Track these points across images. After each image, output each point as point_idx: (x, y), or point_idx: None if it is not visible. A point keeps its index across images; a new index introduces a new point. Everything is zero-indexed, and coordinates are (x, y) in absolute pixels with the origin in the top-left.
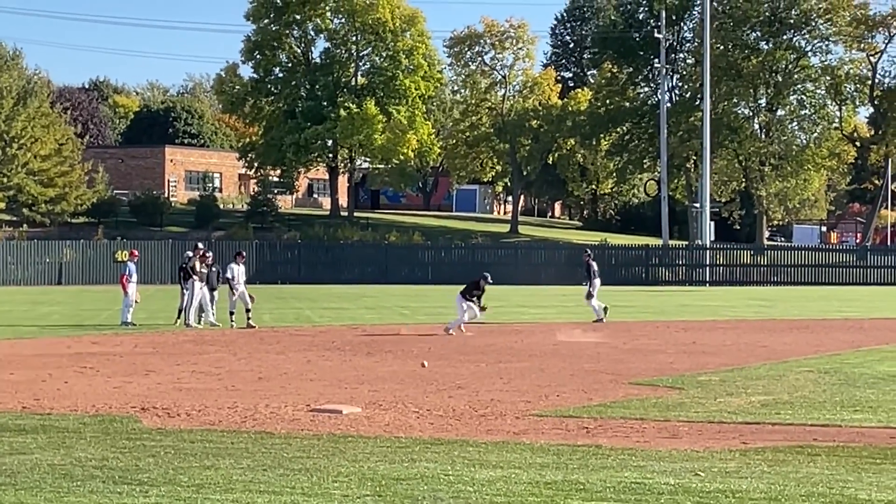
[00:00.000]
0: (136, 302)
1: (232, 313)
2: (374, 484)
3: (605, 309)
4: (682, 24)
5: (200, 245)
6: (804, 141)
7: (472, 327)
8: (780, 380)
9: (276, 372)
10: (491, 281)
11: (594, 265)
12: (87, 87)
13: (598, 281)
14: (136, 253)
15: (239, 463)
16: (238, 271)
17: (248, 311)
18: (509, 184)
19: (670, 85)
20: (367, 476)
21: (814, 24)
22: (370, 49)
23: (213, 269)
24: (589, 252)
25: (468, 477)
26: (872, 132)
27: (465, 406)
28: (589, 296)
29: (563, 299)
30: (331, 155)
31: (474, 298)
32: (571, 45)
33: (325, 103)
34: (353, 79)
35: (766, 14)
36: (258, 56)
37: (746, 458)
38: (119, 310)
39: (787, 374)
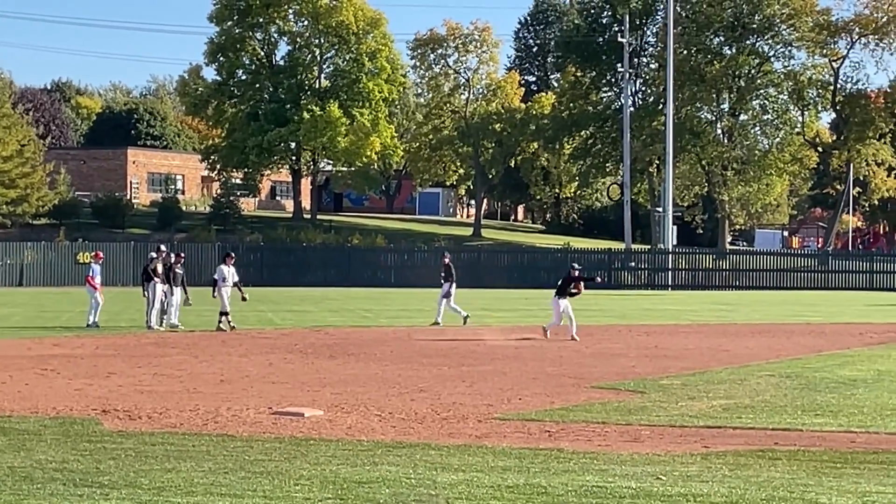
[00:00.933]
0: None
1: (225, 314)
2: (336, 487)
3: (466, 318)
4: (645, 28)
5: (163, 247)
6: (766, 146)
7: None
8: (741, 384)
9: (238, 374)
10: (578, 267)
11: (452, 267)
12: (49, 88)
13: (454, 284)
14: (101, 255)
15: (200, 466)
16: (228, 272)
17: (225, 314)
18: (472, 187)
19: (634, 89)
20: (328, 479)
21: (777, 29)
22: (333, 52)
23: (180, 270)
24: (447, 254)
25: (430, 480)
26: (834, 137)
27: (427, 409)
28: (447, 296)
29: (527, 302)
30: (294, 157)
31: (569, 295)
32: (535, 49)
33: (289, 106)
34: (317, 81)
35: (730, 19)
36: (221, 58)
37: (708, 462)
38: (84, 311)
39: (749, 379)
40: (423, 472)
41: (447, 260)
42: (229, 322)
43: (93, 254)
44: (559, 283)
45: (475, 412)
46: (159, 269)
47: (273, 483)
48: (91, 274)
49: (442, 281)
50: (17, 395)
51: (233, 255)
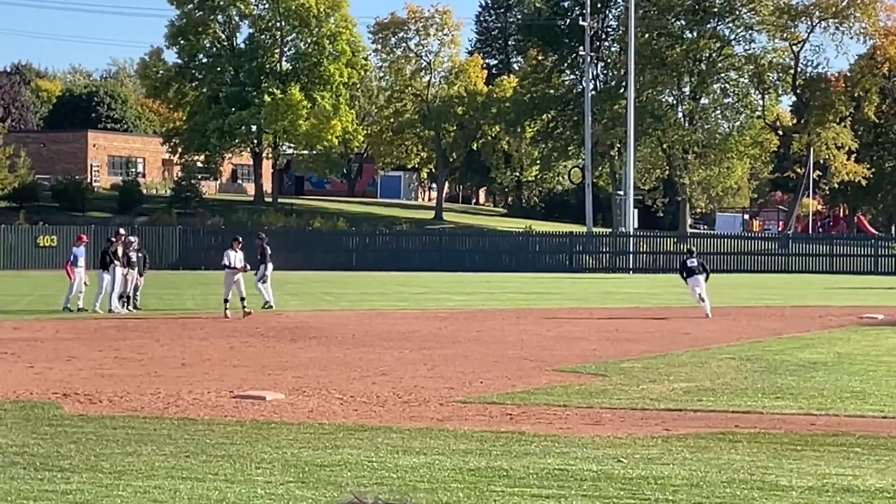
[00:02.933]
0: (85, 285)
1: (243, 299)
2: (298, 470)
3: (268, 305)
4: (607, 11)
5: (122, 230)
6: (727, 129)
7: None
8: (702, 367)
9: (199, 358)
10: (691, 249)
11: (268, 249)
12: (8, 70)
13: (270, 266)
14: (84, 238)
15: (161, 449)
16: (235, 258)
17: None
18: (434, 170)
19: (595, 73)
20: (290, 462)
21: (738, 12)
22: (294, 35)
23: (141, 254)
24: (262, 236)
25: (392, 463)
26: (795, 121)
27: (388, 393)
28: (262, 280)
29: (487, 286)
30: (255, 141)
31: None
32: (496, 32)
33: (250, 89)
34: (278, 64)
35: (690, 2)
36: (182, 41)
37: (669, 445)
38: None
39: (710, 362)
40: (384, 456)
41: (261, 243)
42: (243, 308)
43: (77, 237)
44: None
45: (437, 395)
46: (119, 251)
47: (235, 466)
48: (71, 258)
49: (259, 264)
50: None
51: (240, 239)
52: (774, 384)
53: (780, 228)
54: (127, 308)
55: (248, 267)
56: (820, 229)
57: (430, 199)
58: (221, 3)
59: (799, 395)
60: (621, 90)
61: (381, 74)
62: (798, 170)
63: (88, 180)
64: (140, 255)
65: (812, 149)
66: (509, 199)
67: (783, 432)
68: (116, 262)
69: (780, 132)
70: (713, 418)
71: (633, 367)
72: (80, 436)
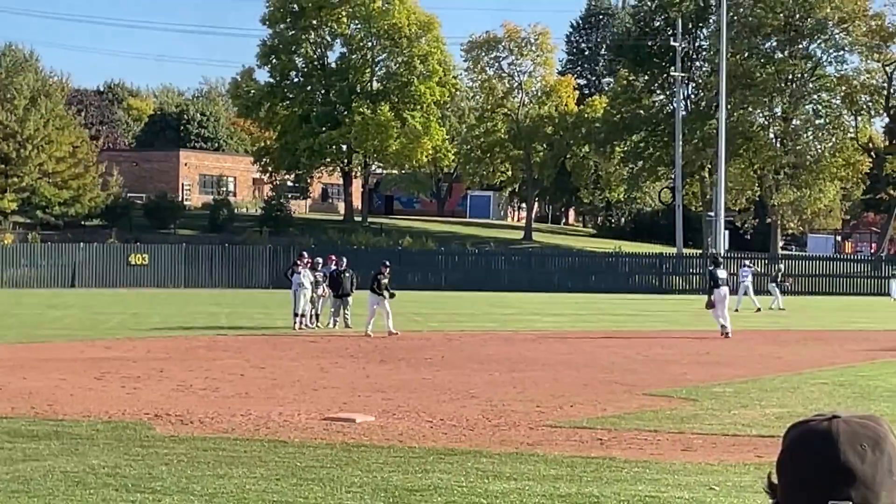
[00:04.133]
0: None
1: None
2: (388, 495)
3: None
4: (698, 31)
5: (305, 253)
6: (819, 150)
7: (485, 335)
8: (794, 392)
9: (289, 379)
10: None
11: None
12: (101, 89)
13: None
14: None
15: (252, 472)
16: (303, 275)
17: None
18: (521, 189)
19: (686, 93)
20: (380, 486)
21: (829, 33)
22: (385, 54)
23: (347, 273)
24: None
25: (482, 489)
26: (888, 142)
27: (478, 416)
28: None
29: (577, 307)
30: (345, 160)
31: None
32: (586, 53)
33: (340, 108)
34: (369, 84)
35: (781, 23)
36: (274, 60)
37: (761, 472)
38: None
39: (802, 387)
40: (474, 481)
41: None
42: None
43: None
44: None
45: (526, 419)
46: (304, 273)
47: (325, 490)
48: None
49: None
50: (69, 398)
51: (305, 255)
52: (868, 410)
53: (872, 250)
54: (316, 325)
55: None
56: None
57: (519, 219)
58: (314, 22)
59: (893, 423)
60: (712, 111)
61: (472, 94)
62: (891, 191)
63: (180, 199)
64: (347, 274)
65: None
66: (598, 219)
67: None
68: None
69: (873, 153)
70: None
71: (724, 391)
72: (171, 457)
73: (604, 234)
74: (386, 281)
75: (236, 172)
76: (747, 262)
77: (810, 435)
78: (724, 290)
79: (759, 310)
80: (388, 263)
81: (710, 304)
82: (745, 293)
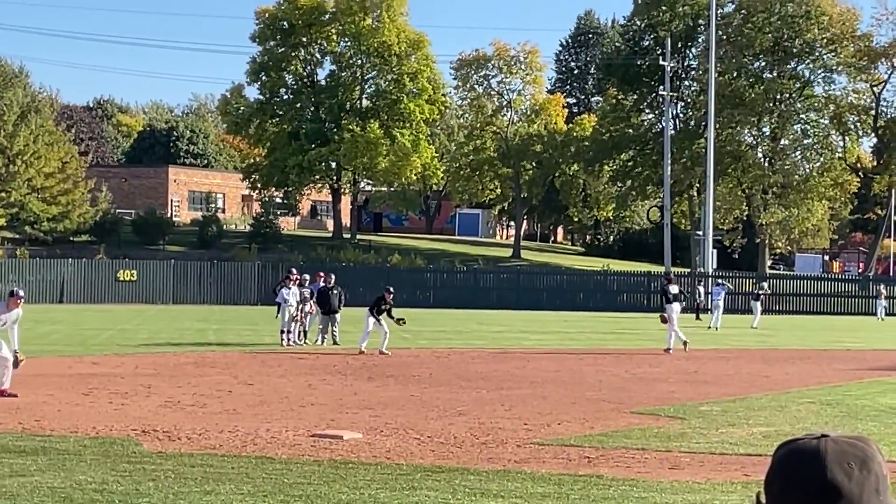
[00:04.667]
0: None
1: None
2: None
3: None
4: (687, 51)
5: (294, 270)
6: (807, 170)
7: (475, 353)
8: (782, 411)
9: (277, 396)
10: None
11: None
12: (91, 105)
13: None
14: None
15: (239, 489)
16: (289, 293)
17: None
18: (509, 208)
19: (675, 112)
20: None
21: (817, 53)
22: (375, 72)
23: (335, 291)
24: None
25: None
26: (875, 162)
27: (466, 433)
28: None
29: (565, 325)
30: (334, 177)
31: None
32: (576, 71)
33: (330, 125)
34: (358, 101)
35: (770, 43)
36: (264, 77)
37: (748, 491)
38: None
39: (789, 406)
40: (462, 498)
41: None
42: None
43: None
44: None
45: (514, 437)
46: (292, 290)
47: None
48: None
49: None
50: (57, 414)
51: (293, 272)
52: (855, 429)
53: (860, 270)
54: (304, 342)
55: (308, 297)
56: None
57: (507, 237)
58: (303, 40)
59: (880, 442)
60: (700, 130)
61: (461, 112)
62: (879, 211)
63: (168, 215)
64: (335, 292)
65: (893, 190)
66: (587, 237)
67: None
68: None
69: (861, 173)
70: None
71: (711, 410)
72: (158, 473)
73: (592, 253)
74: (387, 307)
75: (225, 189)
76: (720, 281)
77: (798, 453)
78: (676, 305)
79: (716, 329)
80: (391, 290)
81: (664, 320)
82: (712, 311)
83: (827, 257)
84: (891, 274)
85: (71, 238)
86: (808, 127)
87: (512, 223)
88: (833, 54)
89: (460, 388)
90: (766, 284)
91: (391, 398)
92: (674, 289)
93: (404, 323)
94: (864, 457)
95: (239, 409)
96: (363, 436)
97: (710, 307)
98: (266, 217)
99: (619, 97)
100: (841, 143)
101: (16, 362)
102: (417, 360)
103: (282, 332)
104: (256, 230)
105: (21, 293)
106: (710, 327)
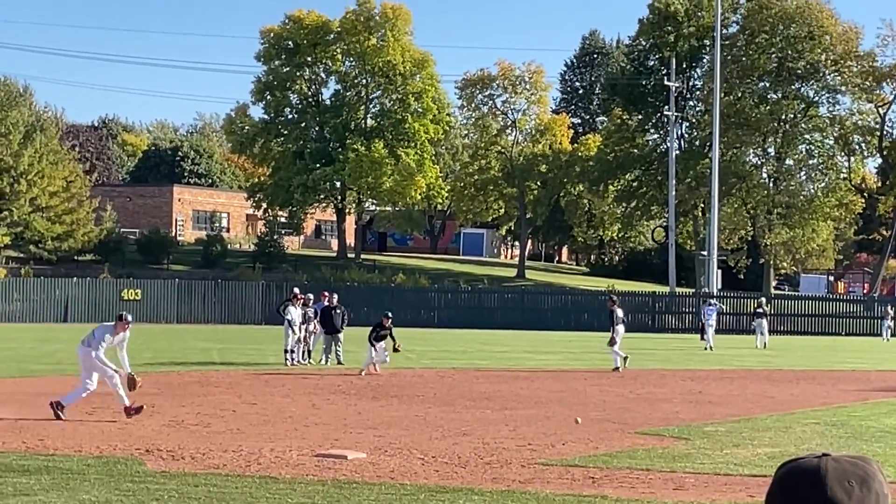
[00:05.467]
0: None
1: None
2: None
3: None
4: (691, 71)
5: (297, 289)
6: (812, 191)
7: (479, 373)
8: (786, 432)
9: (281, 415)
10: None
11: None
12: (95, 125)
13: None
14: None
15: None
16: (295, 313)
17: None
18: (515, 228)
19: (679, 132)
20: None
21: (822, 74)
22: (380, 91)
23: (339, 310)
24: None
25: None
26: (880, 183)
27: (470, 453)
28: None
29: (569, 345)
30: (339, 196)
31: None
32: (581, 91)
33: (334, 145)
34: (363, 121)
35: (774, 64)
36: (268, 97)
37: None
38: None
39: (794, 426)
40: None
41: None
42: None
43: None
44: None
45: (518, 457)
46: (294, 310)
47: None
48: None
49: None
50: (61, 433)
51: (297, 292)
52: (860, 450)
53: (865, 291)
54: (308, 362)
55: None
56: None
57: (512, 257)
58: (308, 59)
59: (885, 463)
60: (705, 150)
61: (466, 131)
62: (884, 232)
63: (173, 234)
64: (338, 311)
65: None
66: (591, 257)
67: None
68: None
69: (866, 194)
70: None
71: (716, 430)
72: (162, 493)
73: (597, 273)
74: (385, 333)
75: (230, 208)
76: (712, 301)
77: (799, 471)
78: (621, 328)
79: (710, 349)
80: (390, 315)
81: (612, 342)
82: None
83: (832, 278)
84: (895, 294)
85: (75, 257)
86: (813, 147)
87: (516, 243)
88: (837, 74)
89: (464, 407)
90: (764, 300)
91: (395, 418)
92: (619, 312)
93: (399, 350)
94: (864, 475)
95: (243, 428)
96: (367, 456)
97: (703, 327)
98: (270, 236)
99: (624, 117)
100: (846, 164)
101: (132, 383)
102: (422, 380)
103: (286, 351)
104: (261, 249)
105: (129, 318)
106: (706, 348)
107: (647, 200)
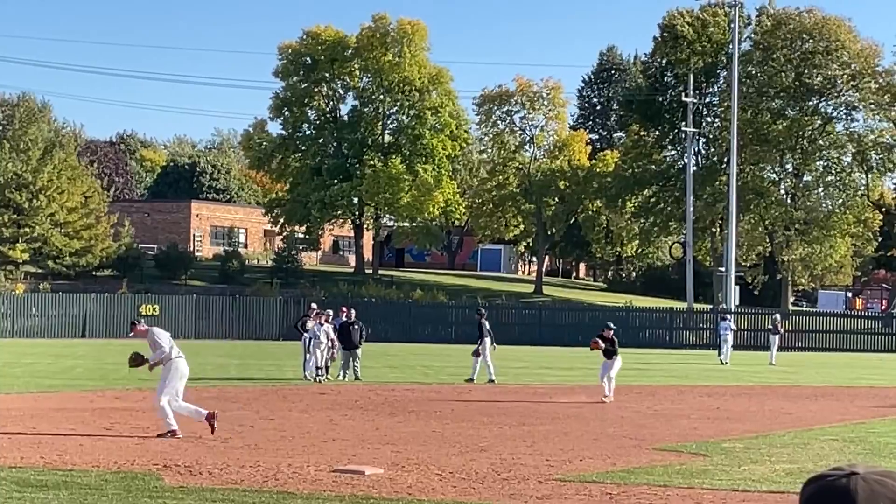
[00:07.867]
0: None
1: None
2: None
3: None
4: (708, 87)
5: (314, 305)
6: (830, 207)
7: (490, 387)
8: (804, 448)
9: (298, 431)
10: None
11: (486, 324)
12: (114, 140)
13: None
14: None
15: None
16: (320, 330)
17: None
18: (533, 244)
19: (697, 149)
20: None
21: (839, 91)
22: (397, 107)
23: (356, 326)
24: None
25: None
26: None
27: (487, 469)
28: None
29: (587, 361)
30: (356, 212)
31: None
32: (598, 107)
33: (352, 160)
34: (380, 136)
35: (791, 81)
36: (286, 113)
37: None
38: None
39: (812, 443)
40: None
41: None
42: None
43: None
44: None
45: (536, 473)
46: (310, 325)
47: None
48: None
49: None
50: (79, 448)
51: (313, 306)
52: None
53: (883, 307)
54: (326, 377)
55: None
56: None
57: (530, 273)
58: (326, 75)
59: None
60: (723, 166)
61: (483, 147)
62: None
63: (191, 250)
64: (356, 327)
65: None
66: (609, 273)
67: None
68: (305, 333)
69: (884, 210)
70: None
71: (734, 446)
72: None
73: (615, 289)
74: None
75: (248, 224)
76: (728, 317)
77: (829, 491)
78: (488, 340)
79: (724, 363)
80: (612, 326)
81: (477, 353)
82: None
83: (850, 294)
84: None
85: (93, 272)
86: (831, 163)
87: (534, 259)
88: (854, 91)
89: (482, 423)
90: (778, 315)
91: (413, 434)
92: (486, 324)
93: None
94: (894, 496)
95: (260, 443)
96: (385, 471)
97: (718, 343)
98: (288, 252)
99: (642, 133)
100: (864, 181)
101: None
102: (439, 396)
103: (318, 368)
104: (278, 265)
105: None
106: (721, 363)
107: (664, 216)
